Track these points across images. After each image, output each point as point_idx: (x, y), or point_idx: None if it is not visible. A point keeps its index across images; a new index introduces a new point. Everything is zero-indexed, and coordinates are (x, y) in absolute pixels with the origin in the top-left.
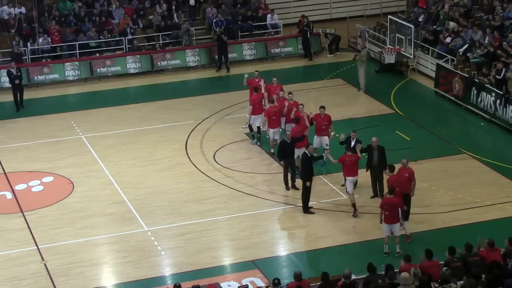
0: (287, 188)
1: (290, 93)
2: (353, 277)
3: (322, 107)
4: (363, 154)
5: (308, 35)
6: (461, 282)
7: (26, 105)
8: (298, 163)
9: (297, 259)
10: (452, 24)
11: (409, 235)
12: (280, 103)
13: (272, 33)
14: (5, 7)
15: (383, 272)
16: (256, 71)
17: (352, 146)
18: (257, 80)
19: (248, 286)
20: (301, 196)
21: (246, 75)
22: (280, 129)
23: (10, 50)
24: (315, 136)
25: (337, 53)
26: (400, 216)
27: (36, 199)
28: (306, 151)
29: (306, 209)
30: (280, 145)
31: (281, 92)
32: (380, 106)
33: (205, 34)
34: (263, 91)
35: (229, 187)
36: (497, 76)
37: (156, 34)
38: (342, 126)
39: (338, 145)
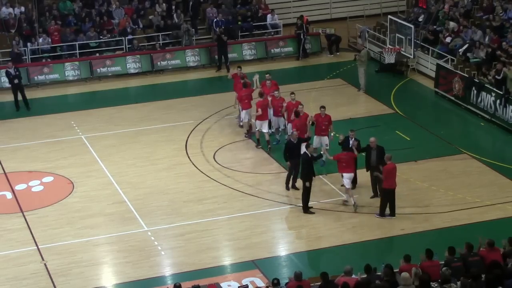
0: (287, 188)
1: (292, 93)
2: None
3: (323, 107)
4: (363, 154)
5: (302, 36)
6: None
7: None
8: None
9: (297, 259)
10: (452, 24)
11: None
12: (304, 116)
13: (272, 33)
14: (5, 7)
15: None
16: (267, 74)
17: (350, 145)
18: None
19: (248, 286)
20: (301, 196)
21: (257, 75)
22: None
23: (10, 50)
24: (315, 136)
25: (337, 53)
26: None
27: (36, 199)
28: (306, 151)
29: (306, 209)
30: (286, 145)
31: (276, 92)
32: (380, 106)
33: (205, 34)
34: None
35: (229, 187)
36: (496, 77)
37: (156, 34)
38: (342, 126)
39: (338, 145)
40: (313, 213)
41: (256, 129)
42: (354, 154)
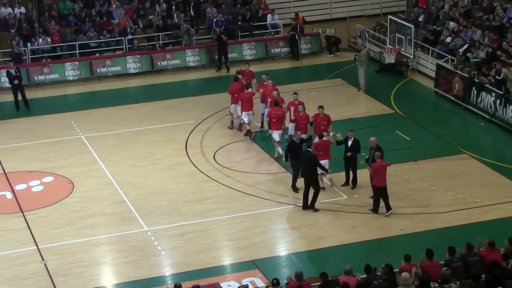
0: (295, 191)
1: (295, 93)
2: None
3: (321, 107)
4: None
5: (297, 37)
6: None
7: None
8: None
9: (297, 259)
10: (452, 24)
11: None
12: (304, 117)
13: (272, 33)
14: (5, 7)
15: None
16: (265, 74)
17: (349, 146)
18: (265, 83)
19: (248, 286)
20: (303, 195)
21: (255, 80)
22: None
23: (10, 50)
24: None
25: (337, 53)
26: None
27: (36, 199)
28: (309, 149)
29: (306, 206)
30: (288, 145)
31: (275, 92)
32: (380, 106)
33: (205, 34)
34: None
35: (229, 187)
36: (496, 77)
37: (156, 34)
38: (342, 126)
39: (336, 145)
40: (317, 210)
41: (244, 122)
42: (330, 141)
